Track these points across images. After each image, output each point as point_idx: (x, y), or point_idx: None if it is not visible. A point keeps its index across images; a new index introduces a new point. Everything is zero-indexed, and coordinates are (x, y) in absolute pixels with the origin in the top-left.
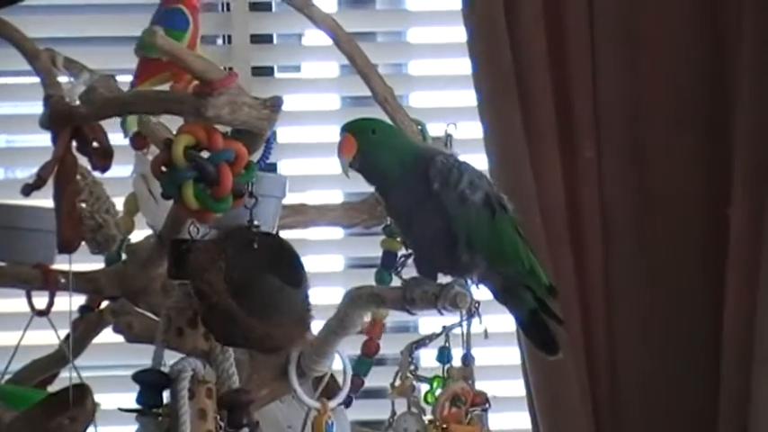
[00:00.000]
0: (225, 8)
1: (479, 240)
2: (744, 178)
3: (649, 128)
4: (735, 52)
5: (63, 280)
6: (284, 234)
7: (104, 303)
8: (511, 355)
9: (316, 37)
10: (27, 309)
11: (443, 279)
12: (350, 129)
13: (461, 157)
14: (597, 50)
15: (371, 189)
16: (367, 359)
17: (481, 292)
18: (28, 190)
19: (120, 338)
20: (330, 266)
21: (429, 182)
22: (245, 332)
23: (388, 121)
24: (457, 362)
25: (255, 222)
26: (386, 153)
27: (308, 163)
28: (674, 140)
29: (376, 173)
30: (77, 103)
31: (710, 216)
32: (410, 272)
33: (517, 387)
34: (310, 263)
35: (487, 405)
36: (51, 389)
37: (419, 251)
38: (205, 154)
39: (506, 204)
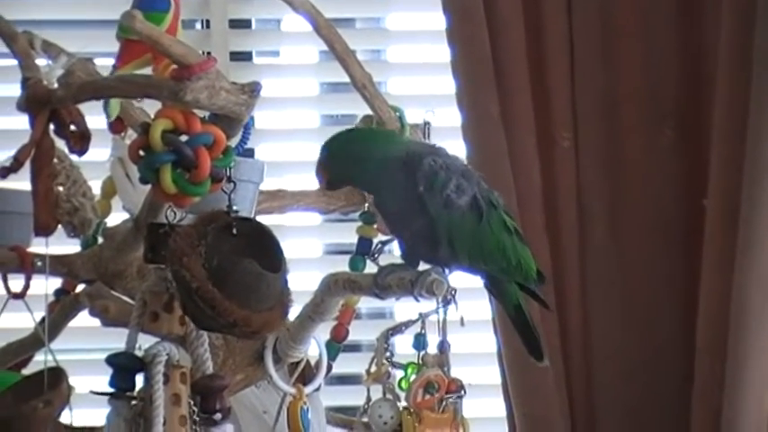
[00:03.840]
0: None
1: (462, 242)
2: (720, 170)
3: (627, 118)
4: (713, 46)
5: (39, 263)
6: (262, 219)
7: (80, 287)
8: (487, 342)
9: (295, 22)
10: (3, 291)
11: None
12: (320, 155)
13: (444, 147)
14: (575, 40)
15: None
16: (335, 344)
17: (458, 280)
18: (5, 173)
19: (96, 322)
20: (308, 252)
21: (416, 184)
22: (225, 318)
23: (368, 109)
24: (433, 349)
25: (234, 207)
26: (352, 168)
27: (286, 148)
28: (652, 131)
29: (354, 185)
30: (55, 86)
31: (687, 207)
32: (387, 258)
33: (493, 374)
34: (288, 248)
35: (463, 392)
36: (26, 372)
37: (405, 244)
38: (183, 139)
39: (496, 201)
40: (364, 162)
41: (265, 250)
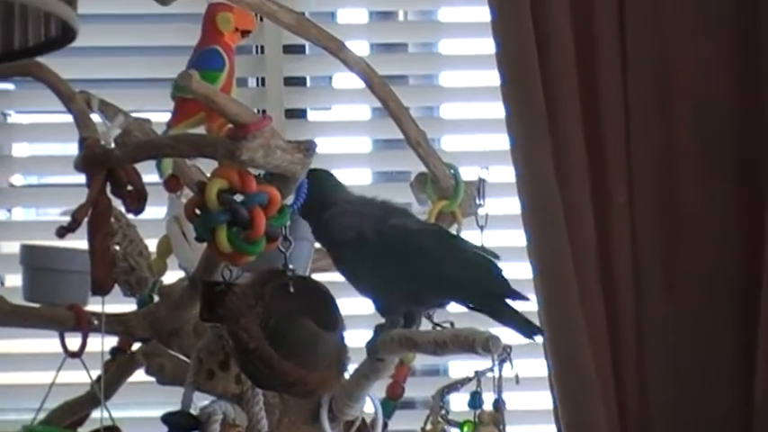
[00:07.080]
0: (259, 51)
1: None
2: None
3: (682, 173)
4: None
5: (96, 321)
6: (317, 277)
7: (137, 345)
8: (542, 400)
9: (348, 80)
10: (60, 350)
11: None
12: None
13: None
14: (630, 95)
15: None
16: (391, 402)
17: (513, 337)
18: (62, 232)
19: (152, 380)
20: (363, 309)
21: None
22: (281, 377)
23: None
24: (488, 406)
25: (290, 266)
26: None
27: None
28: (709, 184)
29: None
30: (112, 145)
31: (743, 263)
32: (443, 315)
33: None
34: (344, 306)
35: None
36: (82, 430)
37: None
38: (239, 198)
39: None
40: None
41: (321, 308)
